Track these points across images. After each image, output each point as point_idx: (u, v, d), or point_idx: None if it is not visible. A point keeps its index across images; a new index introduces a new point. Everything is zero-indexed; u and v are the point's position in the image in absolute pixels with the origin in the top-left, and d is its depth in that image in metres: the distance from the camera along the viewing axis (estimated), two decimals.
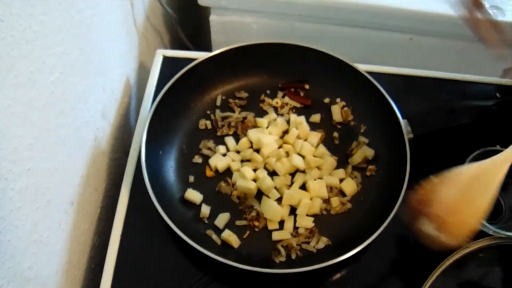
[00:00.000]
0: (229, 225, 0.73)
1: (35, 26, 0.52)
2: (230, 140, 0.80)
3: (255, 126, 0.82)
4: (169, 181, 0.76)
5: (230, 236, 0.70)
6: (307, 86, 0.86)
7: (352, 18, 0.98)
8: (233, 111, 0.83)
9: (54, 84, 0.58)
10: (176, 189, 0.75)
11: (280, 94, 0.86)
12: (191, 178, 0.77)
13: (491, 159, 0.63)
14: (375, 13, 0.95)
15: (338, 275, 0.70)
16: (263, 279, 0.67)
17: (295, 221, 0.73)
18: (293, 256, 0.70)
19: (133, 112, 0.91)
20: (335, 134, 0.82)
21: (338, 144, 0.81)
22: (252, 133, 0.80)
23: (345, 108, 0.84)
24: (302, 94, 0.86)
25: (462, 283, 0.69)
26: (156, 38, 1.07)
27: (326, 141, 0.81)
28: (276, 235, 0.72)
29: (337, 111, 0.84)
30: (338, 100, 0.85)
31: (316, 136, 0.80)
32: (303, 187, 0.76)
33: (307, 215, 0.73)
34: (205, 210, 0.73)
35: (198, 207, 0.74)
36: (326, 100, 0.85)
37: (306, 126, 0.81)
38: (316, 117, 0.84)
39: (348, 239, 0.70)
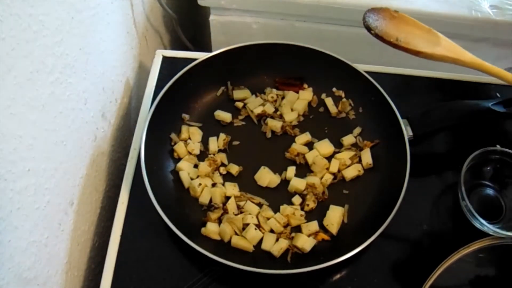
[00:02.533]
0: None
1: (34, 26, 0.52)
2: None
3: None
4: (169, 181, 0.76)
5: (240, 240, 0.70)
6: (306, 86, 0.86)
7: (352, 18, 0.98)
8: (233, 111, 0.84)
9: (53, 84, 0.58)
10: (176, 190, 0.75)
11: (275, 91, 0.86)
12: None
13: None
14: None
15: (338, 275, 0.70)
16: (263, 279, 0.67)
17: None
18: (292, 257, 0.70)
19: (133, 112, 0.91)
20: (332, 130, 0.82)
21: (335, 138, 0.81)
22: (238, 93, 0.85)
23: (343, 100, 0.84)
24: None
25: (462, 283, 0.69)
26: (156, 38, 1.07)
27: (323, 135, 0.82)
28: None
29: (330, 103, 0.84)
30: (337, 91, 0.86)
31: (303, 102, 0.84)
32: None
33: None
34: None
35: (198, 207, 0.74)
36: (329, 98, 0.85)
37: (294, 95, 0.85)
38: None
39: (348, 239, 0.70)
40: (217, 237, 0.71)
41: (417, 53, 0.72)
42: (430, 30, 0.74)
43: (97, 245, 0.77)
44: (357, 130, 0.82)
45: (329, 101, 0.85)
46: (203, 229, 0.71)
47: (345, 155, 0.78)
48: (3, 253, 0.49)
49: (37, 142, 0.55)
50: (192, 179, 0.76)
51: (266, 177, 0.76)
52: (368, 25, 0.72)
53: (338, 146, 0.80)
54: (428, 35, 0.74)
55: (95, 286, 0.75)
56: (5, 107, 0.48)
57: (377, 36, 0.72)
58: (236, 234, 0.71)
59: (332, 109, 0.84)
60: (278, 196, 0.75)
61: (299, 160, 0.78)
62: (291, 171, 0.77)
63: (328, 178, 0.76)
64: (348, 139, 0.81)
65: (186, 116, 0.82)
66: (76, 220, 0.69)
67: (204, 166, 0.76)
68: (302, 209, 0.74)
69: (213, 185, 0.76)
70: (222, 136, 0.80)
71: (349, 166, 0.78)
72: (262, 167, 0.77)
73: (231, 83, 0.86)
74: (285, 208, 0.73)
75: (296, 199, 0.75)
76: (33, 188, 0.55)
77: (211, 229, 0.70)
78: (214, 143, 0.79)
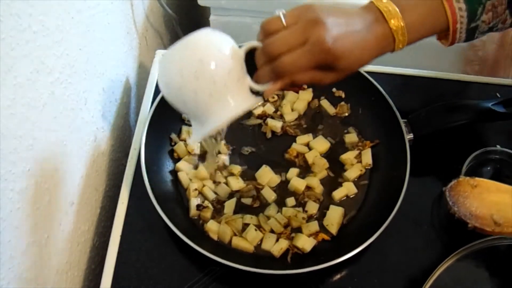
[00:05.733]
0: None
1: (34, 26, 0.52)
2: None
3: None
4: (168, 182, 0.76)
5: (240, 241, 0.70)
6: (305, 86, 0.86)
7: None
8: None
9: (53, 84, 0.58)
10: (176, 190, 0.75)
11: None
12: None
13: None
14: None
15: (338, 275, 0.70)
16: (263, 279, 0.67)
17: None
18: (292, 257, 0.70)
19: (133, 112, 0.91)
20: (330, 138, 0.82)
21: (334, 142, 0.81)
22: None
23: (342, 103, 0.84)
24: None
25: (462, 283, 0.68)
26: (156, 38, 1.07)
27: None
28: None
29: (327, 105, 0.85)
30: (337, 91, 0.86)
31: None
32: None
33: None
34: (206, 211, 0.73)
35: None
36: (325, 100, 0.85)
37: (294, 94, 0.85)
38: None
39: (348, 239, 0.70)
40: (216, 237, 0.71)
41: None
42: None
43: (97, 245, 0.77)
44: (357, 131, 0.82)
45: (325, 103, 0.85)
46: (205, 225, 0.71)
47: (351, 155, 0.78)
48: (3, 253, 0.49)
49: (37, 142, 0.55)
50: (191, 180, 0.76)
51: (266, 175, 0.76)
52: (460, 217, 0.63)
53: (339, 145, 0.80)
54: None
55: (95, 286, 0.75)
56: (5, 107, 0.48)
57: (475, 228, 0.64)
58: (235, 234, 0.71)
59: (330, 110, 0.84)
60: (278, 196, 0.75)
61: (298, 161, 0.78)
62: (293, 172, 0.77)
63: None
64: (350, 137, 0.81)
65: (186, 117, 0.82)
66: (76, 220, 0.69)
67: (203, 169, 0.76)
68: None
69: (217, 183, 0.76)
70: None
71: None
72: (264, 166, 0.77)
73: None
74: (287, 210, 0.73)
75: (290, 201, 0.74)
76: (33, 188, 0.55)
77: (211, 227, 0.70)
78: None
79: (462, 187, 0.66)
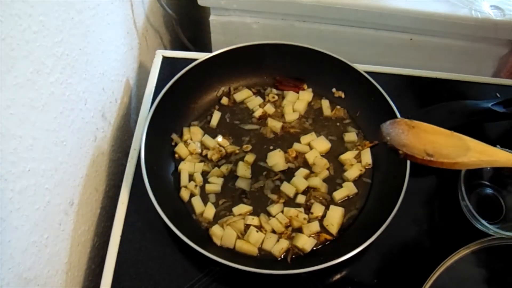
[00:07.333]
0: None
1: (34, 26, 0.52)
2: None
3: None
4: (169, 182, 0.76)
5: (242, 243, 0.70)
6: (305, 86, 0.86)
7: (352, 18, 0.98)
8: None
9: (53, 84, 0.58)
10: (176, 190, 0.75)
11: (274, 90, 0.87)
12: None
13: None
14: (375, 13, 0.95)
15: (338, 275, 0.70)
16: (263, 279, 0.67)
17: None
18: (292, 257, 0.70)
19: (133, 112, 0.91)
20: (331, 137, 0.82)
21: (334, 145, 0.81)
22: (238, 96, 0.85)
23: (338, 107, 0.84)
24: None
25: (462, 283, 0.69)
26: (156, 38, 1.07)
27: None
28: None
29: (326, 106, 0.85)
30: (336, 92, 0.86)
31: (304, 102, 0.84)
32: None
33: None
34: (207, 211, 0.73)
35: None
36: (325, 100, 0.86)
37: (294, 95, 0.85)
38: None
39: (348, 240, 0.70)
40: (219, 242, 0.70)
41: (453, 165, 0.63)
42: (453, 134, 0.66)
43: (97, 245, 0.77)
44: (357, 130, 0.82)
45: (325, 104, 0.85)
46: (210, 230, 0.71)
47: (350, 155, 0.78)
48: (3, 253, 0.49)
49: (37, 142, 0.55)
50: (191, 180, 0.76)
51: (275, 159, 0.77)
52: (392, 145, 0.63)
53: (340, 145, 0.80)
54: (453, 140, 0.65)
55: (95, 286, 0.75)
56: (5, 107, 0.48)
57: (406, 156, 0.63)
58: (239, 237, 0.71)
59: (327, 112, 0.84)
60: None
61: (298, 163, 0.78)
62: (302, 172, 0.77)
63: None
64: (349, 136, 0.81)
65: (195, 123, 0.82)
66: (76, 220, 0.69)
67: (216, 169, 0.77)
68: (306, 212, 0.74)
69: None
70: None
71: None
72: (278, 150, 0.78)
73: (231, 83, 0.86)
74: (288, 210, 0.73)
75: (300, 198, 0.75)
76: (33, 189, 0.55)
77: (216, 231, 0.70)
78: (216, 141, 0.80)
79: (399, 125, 0.65)
